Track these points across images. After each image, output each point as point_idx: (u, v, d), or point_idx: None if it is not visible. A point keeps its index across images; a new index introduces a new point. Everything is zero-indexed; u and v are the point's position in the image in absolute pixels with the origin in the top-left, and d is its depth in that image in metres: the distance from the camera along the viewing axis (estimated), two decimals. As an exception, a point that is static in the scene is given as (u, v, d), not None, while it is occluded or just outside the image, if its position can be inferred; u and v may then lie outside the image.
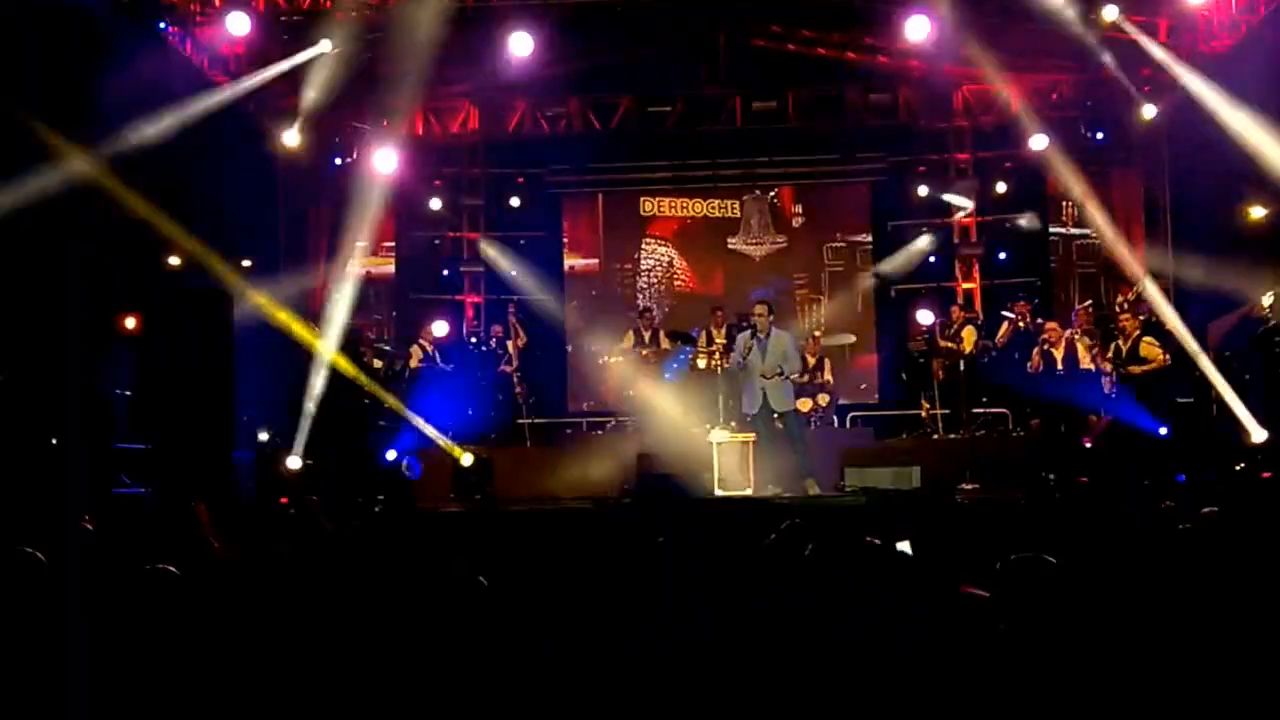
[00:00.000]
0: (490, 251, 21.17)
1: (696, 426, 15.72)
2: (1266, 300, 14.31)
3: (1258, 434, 13.87)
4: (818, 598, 4.53)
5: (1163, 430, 13.99)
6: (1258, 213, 15.93)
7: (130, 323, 15.32)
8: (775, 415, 14.57)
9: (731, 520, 6.22)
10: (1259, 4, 15.65)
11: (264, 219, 17.40)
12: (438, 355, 17.74)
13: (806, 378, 17.09)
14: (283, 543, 6.63)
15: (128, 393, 14.55)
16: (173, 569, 4.86)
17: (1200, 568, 4.93)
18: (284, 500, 14.21)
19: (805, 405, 16.87)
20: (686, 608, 4.53)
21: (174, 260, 14.73)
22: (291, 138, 16.96)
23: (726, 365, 15.80)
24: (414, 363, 17.51)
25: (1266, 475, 11.81)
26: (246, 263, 15.77)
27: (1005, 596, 4.23)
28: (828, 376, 18.10)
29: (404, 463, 15.60)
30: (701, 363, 16.68)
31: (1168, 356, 14.57)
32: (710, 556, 5.71)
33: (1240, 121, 14.93)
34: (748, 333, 14.78)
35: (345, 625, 4.35)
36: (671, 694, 4.03)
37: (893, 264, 20.69)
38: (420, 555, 5.40)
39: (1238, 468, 13.33)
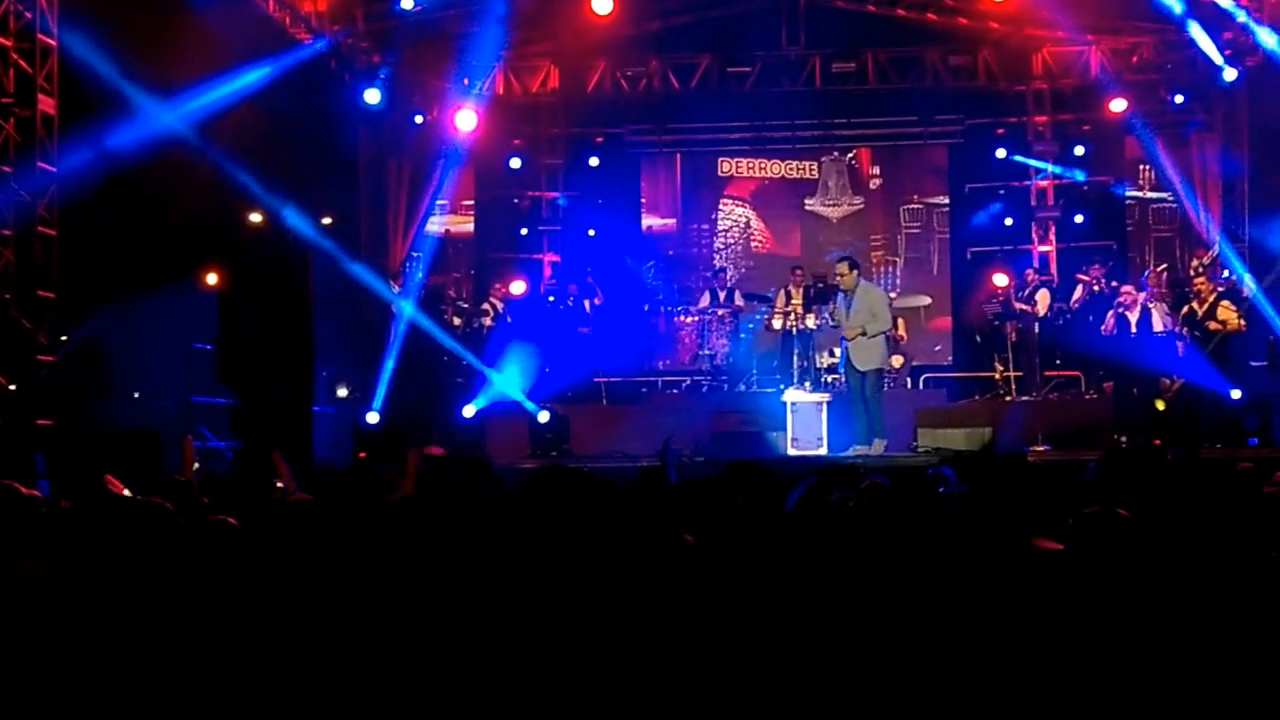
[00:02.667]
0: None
1: (771, 386, 15.81)
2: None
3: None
4: (889, 553, 4.55)
5: (1235, 394, 13.96)
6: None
7: (212, 278, 15.64)
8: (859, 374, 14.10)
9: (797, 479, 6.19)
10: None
11: (344, 177, 17.58)
12: (508, 314, 17.91)
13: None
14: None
15: (209, 347, 14.84)
16: (232, 521, 4.97)
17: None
18: (363, 455, 14.55)
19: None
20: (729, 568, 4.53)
21: (255, 217, 14.95)
22: (372, 95, 17.13)
23: (802, 326, 15.87)
24: (489, 320, 17.71)
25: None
26: (326, 220, 15.97)
27: (1078, 549, 4.19)
28: (902, 335, 18.09)
29: None
30: (777, 323, 16.76)
31: (1244, 321, 14.51)
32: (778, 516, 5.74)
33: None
34: (839, 295, 14.44)
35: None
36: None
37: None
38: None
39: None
